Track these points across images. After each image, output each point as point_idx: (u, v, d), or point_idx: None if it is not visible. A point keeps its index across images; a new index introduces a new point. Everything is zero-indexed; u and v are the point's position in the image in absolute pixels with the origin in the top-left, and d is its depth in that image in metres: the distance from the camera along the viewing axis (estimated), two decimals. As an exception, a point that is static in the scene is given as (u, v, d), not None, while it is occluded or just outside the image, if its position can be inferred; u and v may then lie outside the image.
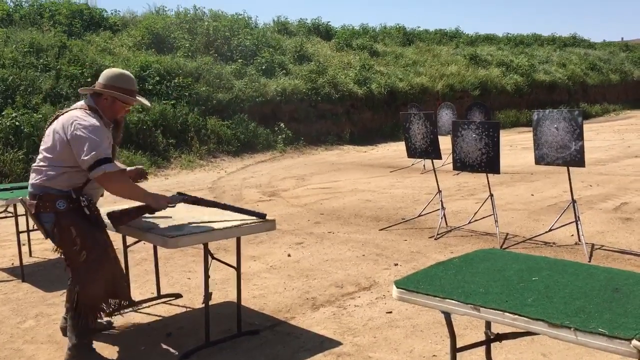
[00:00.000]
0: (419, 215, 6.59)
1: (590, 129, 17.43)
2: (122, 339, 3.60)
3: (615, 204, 7.07)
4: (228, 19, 18.36)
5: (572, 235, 5.54)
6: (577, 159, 5.06)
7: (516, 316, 1.98)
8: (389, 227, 6.34)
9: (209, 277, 3.31)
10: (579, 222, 5.27)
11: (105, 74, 3.29)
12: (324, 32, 22.29)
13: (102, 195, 3.43)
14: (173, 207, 3.32)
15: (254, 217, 3.38)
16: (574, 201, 5.38)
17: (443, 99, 17.36)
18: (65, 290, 3.45)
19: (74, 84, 11.92)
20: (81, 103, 3.27)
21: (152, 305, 4.14)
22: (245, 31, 17.65)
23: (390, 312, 3.87)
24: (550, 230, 5.62)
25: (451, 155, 6.17)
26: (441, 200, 6.25)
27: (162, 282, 4.43)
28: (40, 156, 3.18)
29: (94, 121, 3.08)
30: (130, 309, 3.93)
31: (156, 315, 3.97)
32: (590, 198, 7.41)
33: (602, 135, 15.78)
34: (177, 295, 4.32)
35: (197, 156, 12.55)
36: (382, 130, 17.09)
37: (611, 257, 4.95)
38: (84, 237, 3.12)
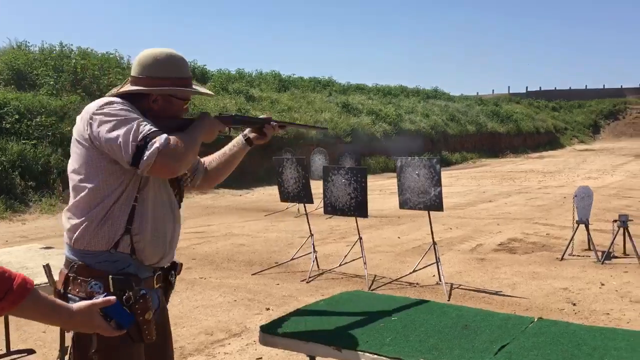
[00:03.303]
0: (292, 259, 6.65)
1: (450, 175, 18.78)
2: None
3: (471, 245, 7.63)
4: (98, 58, 17.73)
5: (434, 275, 5.87)
6: (437, 204, 5.42)
7: (375, 356, 2.06)
8: (262, 271, 6.33)
9: (66, 330, 3.09)
10: (439, 263, 5.61)
11: (147, 59, 2.00)
12: (199, 75, 22.22)
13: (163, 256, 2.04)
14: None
15: None
16: (434, 243, 5.73)
17: (317, 145, 17.89)
18: None
19: None
20: None
21: (-1, 364, 3.77)
22: (116, 70, 17.10)
23: (261, 358, 3.84)
24: (414, 271, 5.93)
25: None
26: (313, 244, 6.37)
27: (13, 336, 4.05)
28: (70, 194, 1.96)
29: (121, 104, 1.89)
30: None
31: (4, 375, 3.62)
32: (450, 240, 7.93)
33: (461, 181, 17.04)
34: (30, 351, 3.97)
35: (59, 199, 11.78)
36: (258, 174, 17.18)
37: (468, 296, 5.31)
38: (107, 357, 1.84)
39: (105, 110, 1.85)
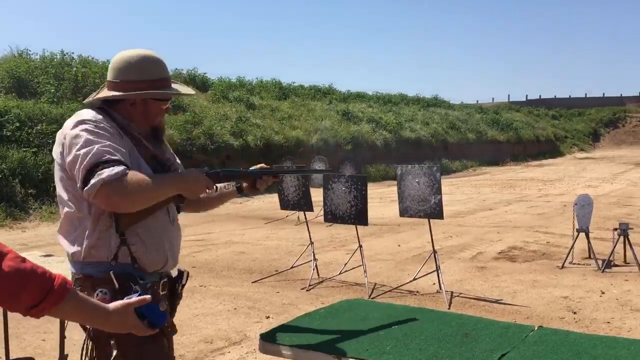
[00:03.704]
0: (292, 267, 6.65)
1: (451, 183, 18.79)
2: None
3: (472, 253, 7.62)
4: (99, 66, 17.78)
5: (434, 283, 5.86)
6: (437, 212, 5.42)
7: (375, 364, 2.05)
8: (262, 279, 6.32)
9: (64, 337, 3.09)
10: (439, 272, 5.60)
11: (120, 63, 1.96)
12: (200, 83, 22.29)
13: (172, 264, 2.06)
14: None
15: None
16: (435, 251, 5.73)
17: (317, 153, 17.91)
18: None
19: None
20: None
21: (-2, 372, 3.76)
22: (117, 79, 17.14)
23: (260, 367, 3.83)
24: (414, 279, 5.92)
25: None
26: (313, 252, 6.36)
27: (12, 345, 4.04)
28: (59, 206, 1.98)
29: (93, 124, 1.85)
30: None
31: (3, 383, 3.61)
32: (450, 248, 7.92)
33: (461, 189, 17.04)
34: (29, 359, 3.96)
35: (59, 208, 11.77)
36: (258, 182, 17.17)
37: (468, 304, 5.30)
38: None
39: (74, 132, 1.82)
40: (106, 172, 1.72)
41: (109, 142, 1.80)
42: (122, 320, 1.46)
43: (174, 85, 2.05)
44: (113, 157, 1.76)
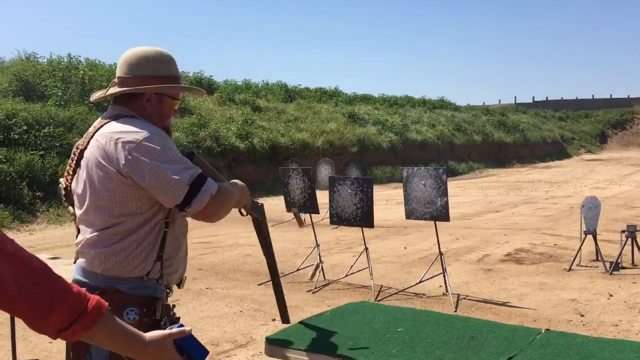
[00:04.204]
0: (298, 269, 6.64)
1: (457, 185, 18.74)
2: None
3: (478, 255, 7.59)
4: (105, 69, 17.87)
5: (440, 286, 5.84)
6: (443, 214, 5.41)
7: (381, 367, 2.05)
8: (268, 281, 6.31)
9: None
10: (446, 274, 5.58)
11: (134, 59, 1.91)
12: (206, 85, 22.33)
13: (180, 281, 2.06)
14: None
15: None
16: (441, 254, 5.71)
17: (323, 155, 17.92)
18: None
19: None
20: (103, 119, 1.94)
21: (5, 375, 3.78)
22: (124, 82, 17.22)
23: (266, 369, 3.83)
24: (420, 281, 5.90)
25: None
26: (319, 254, 6.36)
27: (19, 347, 4.06)
28: (82, 221, 1.90)
29: (153, 129, 1.84)
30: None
31: (10, 386, 3.62)
32: (456, 250, 7.89)
33: (467, 191, 16.99)
34: (36, 362, 3.98)
35: (67, 210, 11.82)
36: (264, 184, 17.21)
37: (475, 307, 5.28)
38: None
39: (147, 145, 1.76)
40: (210, 187, 1.77)
41: (177, 151, 1.82)
42: (159, 352, 1.31)
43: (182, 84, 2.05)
44: (199, 170, 1.80)
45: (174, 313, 1.95)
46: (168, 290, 1.96)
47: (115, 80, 1.94)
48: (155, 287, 1.87)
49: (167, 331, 1.34)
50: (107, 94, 1.93)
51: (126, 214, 1.80)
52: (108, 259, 1.81)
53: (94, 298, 1.23)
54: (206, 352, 1.41)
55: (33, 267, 1.16)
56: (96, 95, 2.01)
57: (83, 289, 1.24)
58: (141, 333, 1.31)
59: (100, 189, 1.81)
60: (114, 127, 1.82)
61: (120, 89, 1.90)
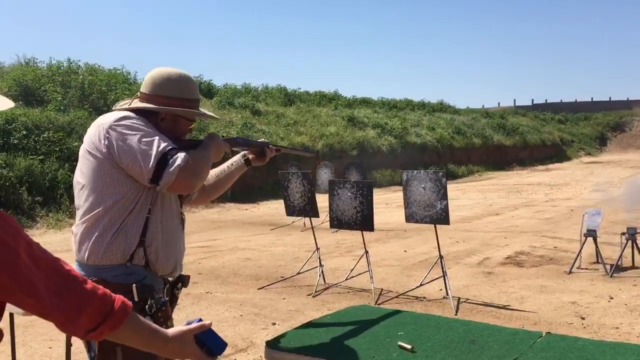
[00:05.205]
0: (298, 273, 6.63)
1: (457, 188, 18.73)
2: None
3: (479, 258, 7.58)
4: (105, 74, 17.88)
5: (441, 289, 5.84)
6: (442, 217, 5.40)
7: (382, 371, 2.04)
8: (268, 285, 6.31)
9: (71, 345, 3.09)
10: (446, 277, 5.57)
11: (158, 79, 2.04)
12: (205, 90, 22.35)
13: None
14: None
15: None
16: (441, 257, 5.70)
17: (323, 158, 17.91)
18: None
19: None
20: None
21: (5, 380, 3.77)
22: (123, 86, 17.24)
23: (267, 374, 3.82)
24: (421, 285, 5.89)
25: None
26: (319, 258, 6.35)
27: (19, 352, 4.05)
28: (78, 208, 1.96)
29: (137, 119, 1.94)
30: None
31: (9, 391, 3.61)
32: (457, 253, 7.89)
33: (467, 195, 16.99)
34: (36, 367, 3.97)
35: (66, 215, 11.83)
36: (264, 188, 17.19)
37: (475, 310, 5.27)
38: None
39: (124, 123, 1.88)
40: (179, 159, 1.82)
41: (159, 133, 1.90)
42: (180, 347, 1.37)
43: (201, 109, 2.16)
44: (171, 145, 1.86)
45: (161, 296, 1.94)
46: (170, 279, 1.99)
47: (138, 94, 2.07)
48: (145, 274, 1.89)
49: (187, 327, 1.40)
50: (129, 106, 2.03)
51: (105, 200, 1.86)
52: (88, 243, 1.87)
53: (119, 298, 1.27)
54: (225, 345, 1.49)
55: (61, 271, 1.19)
56: (119, 105, 2.09)
57: (108, 290, 1.27)
58: (164, 330, 1.36)
59: (79, 175, 1.93)
60: (107, 118, 1.94)
61: (140, 105, 2.01)
